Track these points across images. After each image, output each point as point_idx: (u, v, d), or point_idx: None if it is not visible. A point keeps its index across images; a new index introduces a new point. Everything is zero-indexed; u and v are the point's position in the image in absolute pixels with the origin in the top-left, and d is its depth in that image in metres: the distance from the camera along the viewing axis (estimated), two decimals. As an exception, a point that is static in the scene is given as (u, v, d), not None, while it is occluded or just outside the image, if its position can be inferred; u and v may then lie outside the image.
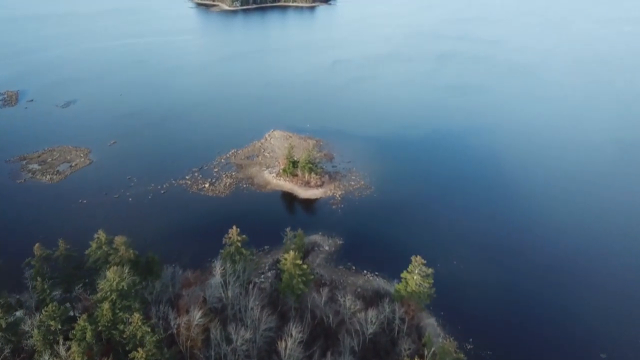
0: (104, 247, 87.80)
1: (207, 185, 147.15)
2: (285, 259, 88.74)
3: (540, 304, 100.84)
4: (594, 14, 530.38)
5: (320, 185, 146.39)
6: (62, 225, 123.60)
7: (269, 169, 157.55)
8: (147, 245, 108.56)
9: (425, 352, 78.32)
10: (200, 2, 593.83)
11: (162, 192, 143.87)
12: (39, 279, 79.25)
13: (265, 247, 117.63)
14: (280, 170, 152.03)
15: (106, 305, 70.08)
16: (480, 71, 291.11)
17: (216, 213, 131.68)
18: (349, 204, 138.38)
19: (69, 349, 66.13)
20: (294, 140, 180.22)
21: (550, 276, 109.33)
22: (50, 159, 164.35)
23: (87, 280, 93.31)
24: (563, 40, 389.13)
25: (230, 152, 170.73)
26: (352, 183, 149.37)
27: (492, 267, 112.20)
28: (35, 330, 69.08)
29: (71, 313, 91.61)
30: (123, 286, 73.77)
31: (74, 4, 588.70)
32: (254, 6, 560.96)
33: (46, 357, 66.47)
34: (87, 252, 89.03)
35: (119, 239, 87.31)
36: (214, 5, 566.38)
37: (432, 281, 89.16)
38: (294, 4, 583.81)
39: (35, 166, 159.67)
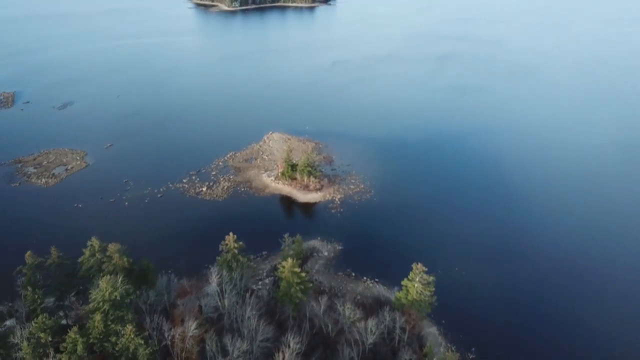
0: (97, 254, 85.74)
1: (204, 189, 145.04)
2: (283, 267, 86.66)
3: (544, 311, 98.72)
4: (594, 14, 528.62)
5: (319, 189, 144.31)
6: (56, 231, 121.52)
7: (268, 172, 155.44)
8: (142, 252, 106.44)
9: (427, 363, 76.37)
10: (199, 2, 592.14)
11: (159, 195, 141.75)
12: (29, 288, 77.14)
13: (263, 252, 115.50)
14: (279, 174, 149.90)
15: (98, 317, 68.01)
16: (481, 72, 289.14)
17: (213, 218, 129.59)
18: (348, 207, 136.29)
19: (59, 362, 64.15)
20: (293, 142, 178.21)
21: (554, 281, 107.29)
22: (45, 162, 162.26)
23: (81, 288, 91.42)
24: (563, 40, 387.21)
25: (229, 155, 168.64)
26: (352, 186, 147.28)
27: (494, 273, 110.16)
28: (25, 343, 66.91)
29: (64, 321, 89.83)
30: (116, 296, 71.74)
31: (73, 4, 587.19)
32: (253, 6, 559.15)
33: (36, 371, 64.52)
34: (80, 259, 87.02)
35: (112, 247, 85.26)
36: (213, 6, 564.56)
37: (434, 289, 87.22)
38: (294, 4, 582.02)
39: (31, 169, 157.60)
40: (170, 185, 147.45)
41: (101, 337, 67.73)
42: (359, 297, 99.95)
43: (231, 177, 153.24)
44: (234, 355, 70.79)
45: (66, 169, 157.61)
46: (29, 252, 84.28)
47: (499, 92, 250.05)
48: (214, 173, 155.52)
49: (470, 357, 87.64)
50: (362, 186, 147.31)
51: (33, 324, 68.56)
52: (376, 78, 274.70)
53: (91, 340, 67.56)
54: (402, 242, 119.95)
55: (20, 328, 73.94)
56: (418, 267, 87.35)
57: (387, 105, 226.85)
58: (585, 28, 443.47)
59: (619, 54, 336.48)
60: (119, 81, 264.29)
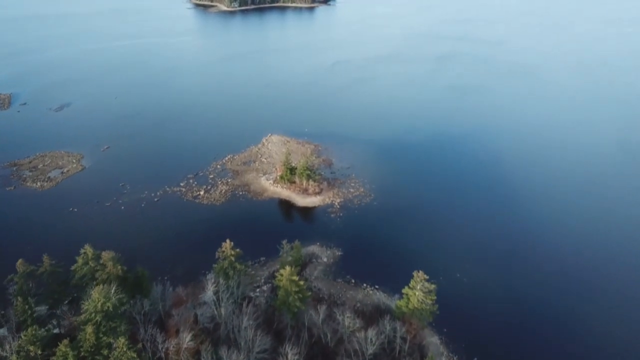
0: (90, 262, 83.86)
1: (202, 193, 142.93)
2: (281, 275, 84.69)
3: (549, 318, 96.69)
4: (593, 15, 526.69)
5: (319, 193, 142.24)
6: (50, 236, 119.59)
7: (266, 176, 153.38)
8: (137, 258, 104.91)
9: (428, 375, 74.37)
10: (198, 2, 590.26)
11: (156, 199, 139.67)
12: (19, 299, 75.03)
13: (262, 258, 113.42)
14: (277, 177, 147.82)
15: (89, 329, 65.91)
16: (481, 72, 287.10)
17: (211, 222, 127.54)
18: (348, 212, 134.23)
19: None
20: (292, 145, 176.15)
21: (559, 286, 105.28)
22: (41, 165, 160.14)
23: (75, 295, 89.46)
24: (563, 41, 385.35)
25: (227, 158, 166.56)
26: (351, 190, 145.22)
27: (496, 278, 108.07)
28: (14, 356, 64.91)
29: (56, 330, 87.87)
30: (108, 307, 69.72)
31: (72, 4, 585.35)
32: (253, 7, 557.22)
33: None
34: (73, 268, 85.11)
35: (106, 255, 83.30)
36: (212, 6, 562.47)
37: (435, 297, 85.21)
38: (293, 4, 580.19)
39: (26, 172, 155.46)
40: (168, 188, 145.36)
41: (92, 350, 65.66)
42: (358, 305, 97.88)
43: (229, 180, 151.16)
44: (230, 367, 68.84)
45: (62, 172, 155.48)
46: (20, 261, 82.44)
47: (499, 93, 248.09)
48: (211, 176, 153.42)
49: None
50: (362, 190, 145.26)
51: (22, 336, 66.53)
52: (376, 79, 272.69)
53: (82, 354, 65.46)
54: (403, 247, 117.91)
55: (12, 339, 71.94)
56: (419, 275, 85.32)
57: (387, 106, 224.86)
58: (585, 28, 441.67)
59: (619, 54, 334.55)
60: (117, 82, 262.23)
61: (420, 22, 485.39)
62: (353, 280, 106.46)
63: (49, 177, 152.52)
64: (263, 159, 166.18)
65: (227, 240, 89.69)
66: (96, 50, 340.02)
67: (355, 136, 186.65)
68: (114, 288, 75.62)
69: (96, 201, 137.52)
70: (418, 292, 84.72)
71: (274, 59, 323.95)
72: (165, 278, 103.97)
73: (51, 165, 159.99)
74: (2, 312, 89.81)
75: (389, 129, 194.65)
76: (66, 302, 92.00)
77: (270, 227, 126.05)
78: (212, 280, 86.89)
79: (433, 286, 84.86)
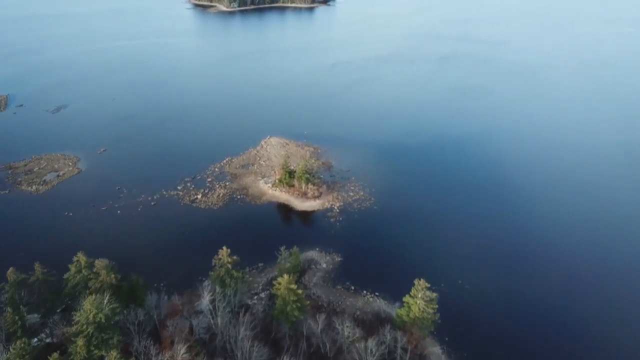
0: (83, 271, 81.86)
1: (199, 197, 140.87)
2: (279, 283, 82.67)
3: (554, 326, 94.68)
4: (593, 15, 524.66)
5: (318, 197, 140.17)
6: (45, 241, 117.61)
7: (265, 179, 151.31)
8: (132, 264, 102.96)
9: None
10: (197, 3, 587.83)
11: (153, 203, 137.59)
12: (9, 309, 73.00)
13: (259, 264, 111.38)
14: (276, 181, 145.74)
15: (80, 342, 63.97)
16: (482, 73, 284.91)
17: (208, 227, 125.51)
18: (347, 216, 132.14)
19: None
20: (291, 147, 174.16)
21: (564, 290, 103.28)
22: (37, 168, 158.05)
23: (69, 302, 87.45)
24: (564, 41, 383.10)
25: (225, 161, 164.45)
26: (351, 194, 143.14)
27: (499, 285, 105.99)
28: (2, 370, 62.97)
29: (49, 340, 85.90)
30: (101, 318, 67.73)
31: (70, 4, 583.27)
32: (252, 7, 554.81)
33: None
34: (65, 276, 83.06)
35: (99, 263, 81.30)
36: (212, 6, 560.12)
37: (437, 306, 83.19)
38: (293, 4, 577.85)
39: (22, 176, 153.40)
40: (165, 192, 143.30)
41: (84, 363, 63.67)
42: (358, 312, 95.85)
43: (227, 183, 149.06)
44: (226, 381, 66.81)
45: (58, 176, 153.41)
46: (11, 269, 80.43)
47: (500, 93, 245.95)
48: (209, 180, 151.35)
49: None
50: (362, 193, 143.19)
51: (11, 349, 64.49)
52: (376, 79, 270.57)
53: (73, 368, 63.49)
54: (403, 252, 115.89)
55: (2, 350, 70.00)
56: (420, 283, 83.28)
57: (387, 107, 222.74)
58: (586, 29, 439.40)
59: (619, 54, 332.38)
60: (115, 83, 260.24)
61: (421, 22, 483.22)
62: (353, 287, 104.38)
63: (44, 180, 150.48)
64: (262, 162, 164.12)
65: (224, 247, 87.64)
66: (95, 51, 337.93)
67: (355, 138, 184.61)
68: (107, 297, 73.65)
69: (92, 205, 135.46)
70: (419, 300, 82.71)
71: (274, 59, 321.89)
72: (162, 285, 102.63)
73: (47, 168, 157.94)
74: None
75: (389, 131, 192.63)
76: (59, 310, 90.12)
77: (268, 232, 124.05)
78: (209, 289, 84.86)
79: (435, 295, 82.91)
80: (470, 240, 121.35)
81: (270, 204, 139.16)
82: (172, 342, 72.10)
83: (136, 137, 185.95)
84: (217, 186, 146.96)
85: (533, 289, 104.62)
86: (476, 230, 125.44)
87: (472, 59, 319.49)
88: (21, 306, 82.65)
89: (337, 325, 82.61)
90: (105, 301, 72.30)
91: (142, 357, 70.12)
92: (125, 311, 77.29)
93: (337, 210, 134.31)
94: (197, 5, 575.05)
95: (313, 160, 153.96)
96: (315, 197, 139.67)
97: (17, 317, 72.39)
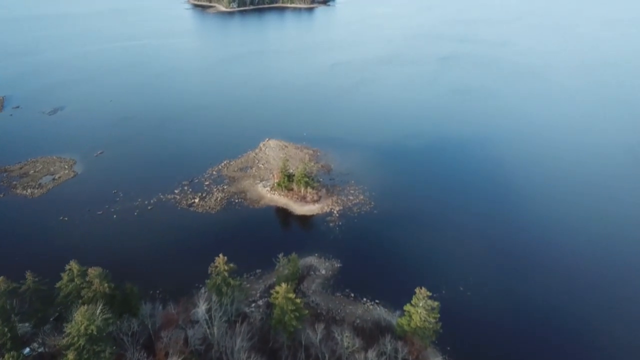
0: (76, 280, 79.87)
1: (197, 200, 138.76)
2: (277, 292, 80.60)
3: (559, 332, 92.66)
4: (593, 15, 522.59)
5: (317, 200, 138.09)
6: (39, 247, 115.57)
7: (263, 182, 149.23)
8: (128, 271, 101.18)
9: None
10: (196, 3, 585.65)
11: (149, 207, 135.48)
12: (-1, 321, 70.89)
13: (257, 270, 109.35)
14: (275, 184, 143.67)
15: (71, 355, 61.93)
16: (483, 73, 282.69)
17: (206, 232, 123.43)
18: (347, 220, 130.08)
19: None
20: (290, 150, 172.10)
21: (569, 296, 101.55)
22: (32, 171, 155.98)
23: (62, 310, 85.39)
24: (566, 41, 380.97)
25: (223, 163, 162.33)
26: (351, 197, 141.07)
27: (501, 292, 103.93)
28: (-10, 385, 60.88)
29: (41, 349, 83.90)
30: (92, 330, 65.65)
31: (69, 4, 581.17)
32: (251, 7, 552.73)
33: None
34: (57, 285, 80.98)
35: (92, 271, 79.30)
36: (211, 7, 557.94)
37: (439, 315, 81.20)
38: (292, 5, 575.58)
39: (17, 179, 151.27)
40: (161, 196, 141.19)
41: (74, 378, 61.63)
42: (358, 321, 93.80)
43: (225, 187, 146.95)
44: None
45: (53, 179, 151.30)
46: (1, 278, 78.08)
47: (501, 94, 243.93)
48: (207, 183, 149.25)
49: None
50: (362, 197, 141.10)
51: (0, 363, 62.48)
52: (376, 80, 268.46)
53: (63, 382, 61.43)
54: (404, 258, 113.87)
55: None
56: (422, 292, 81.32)
57: (387, 109, 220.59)
58: (586, 29, 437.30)
59: (620, 54, 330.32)
60: (113, 84, 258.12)
61: (421, 22, 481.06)
62: (352, 294, 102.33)
63: (39, 183, 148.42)
64: (260, 165, 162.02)
65: (220, 255, 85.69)
66: (93, 52, 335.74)
67: (354, 140, 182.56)
68: (99, 307, 71.67)
69: (88, 210, 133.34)
70: (420, 309, 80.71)
71: (273, 60, 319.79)
72: (157, 292, 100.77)
73: (42, 172, 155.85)
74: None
75: (389, 133, 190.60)
76: (52, 318, 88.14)
77: (266, 237, 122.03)
78: (205, 297, 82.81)
79: (436, 303, 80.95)
80: (471, 243, 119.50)
81: (268, 208, 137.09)
82: (167, 354, 70.05)
83: (133, 139, 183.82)
84: (215, 190, 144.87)
85: (535, 293, 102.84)
86: (477, 233, 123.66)
87: (472, 59, 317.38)
88: (12, 315, 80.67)
89: (336, 335, 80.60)
90: (98, 311, 70.32)
91: (136, 370, 68.15)
92: (118, 322, 75.21)
93: (337, 215, 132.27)
94: (196, 6, 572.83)
95: (312, 164, 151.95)
96: (314, 201, 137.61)
97: (6, 329, 70.26)
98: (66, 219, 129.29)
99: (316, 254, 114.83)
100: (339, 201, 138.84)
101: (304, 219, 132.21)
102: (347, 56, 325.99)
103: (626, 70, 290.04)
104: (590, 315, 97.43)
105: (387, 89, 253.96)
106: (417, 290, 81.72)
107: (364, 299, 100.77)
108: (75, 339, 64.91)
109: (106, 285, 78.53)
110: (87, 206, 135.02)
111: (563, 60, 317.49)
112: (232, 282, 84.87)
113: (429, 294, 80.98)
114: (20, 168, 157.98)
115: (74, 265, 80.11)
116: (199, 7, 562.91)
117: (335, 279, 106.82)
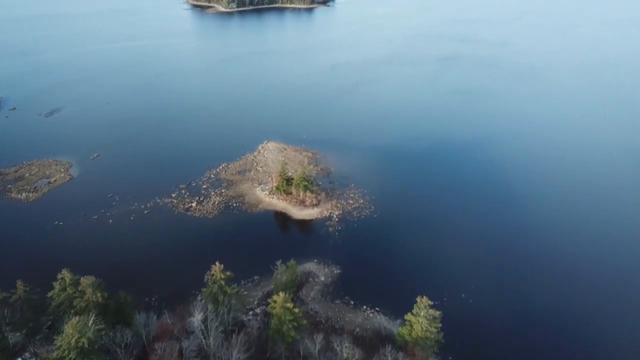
0: (68, 289, 77.84)
1: (194, 205, 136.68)
2: (275, 302, 78.57)
3: (564, 340, 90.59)
4: (593, 15, 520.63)
5: (316, 205, 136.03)
6: (32, 254, 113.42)
7: (262, 186, 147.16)
8: (123, 278, 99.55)
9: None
10: (195, 3, 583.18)
11: (146, 212, 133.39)
12: (-12, 332, 68.87)
13: (255, 277, 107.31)
14: (273, 188, 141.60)
15: (61, 370, 59.82)
16: (483, 74, 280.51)
17: (203, 237, 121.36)
18: (347, 225, 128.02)
19: None
20: (289, 152, 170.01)
21: (573, 303, 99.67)
22: (28, 175, 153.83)
23: (55, 318, 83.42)
24: (566, 41, 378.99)
25: (221, 167, 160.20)
26: (351, 201, 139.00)
27: (504, 299, 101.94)
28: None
29: (34, 359, 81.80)
30: (84, 343, 63.65)
31: (70, 4, 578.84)
32: (251, 8, 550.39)
33: None
34: (49, 294, 78.97)
35: (85, 281, 77.33)
36: (210, 7, 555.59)
37: (440, 325, 79.22)
38: (292, 5, 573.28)
39: (12, 182, 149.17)
40: (158, 200, 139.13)
41: (64, 393, 59.61)
42: (357, 330, 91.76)
43: (223, 191, 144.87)
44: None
45: (49, 182, 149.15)
46: (-8, 287, 76.29)
47: (501, 94, 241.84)
48: (204, 186, 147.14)
49: (481, 400, 79.72)
50: (362, 201, 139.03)
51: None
52: (376, 81, 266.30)
53: (52, 398, 59.42)
54: (405, 264, 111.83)
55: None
56: (423, 301, 79.34)
57: (387, 110, 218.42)
58: (586, 29, 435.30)
59: (620, 54, 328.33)
60: (111, 85, 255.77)
61: (421, 22, 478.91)
62: (352, 302, 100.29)
63: (35, 187, 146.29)
64: (259, 168, 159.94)
65: (217, 263, 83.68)
66: (92, 52, 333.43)
67: (354, 142, 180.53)
68: (92, 318, 69.75)
69: (83, 214, 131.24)
70: (422, 319, 78.74)
71: (272, 61, 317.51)
72: (153, 299, 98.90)
73: (38, 175, 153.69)
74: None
75: (389, 134, 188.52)
76: (45, 327, 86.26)
77: (265, 242, 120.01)
78: (200, 306, 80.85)
79: (438, 313, 78.99)
80: (471, 246, 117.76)
81: (266, 213, 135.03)
82: (161, 367, 68.06)
83: (130, 141, 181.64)
84: (213, 193, 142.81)
85: (538, 297, 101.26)
86: (478, 235, 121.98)
87: (472, 59, 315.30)
88: (3, 325, 78.77)
89: (335, 346, 78.61)
90: (91, 322, 68.48)
91: (128, 383, 66.14)
92: (111, 333, 73.21)
93: (336, 219, 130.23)
94: (195, 6, 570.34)
95: (311, 167, 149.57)
96: (313, 205, 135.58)
97: (-5, 341, 68.31)
98: (61, 223, 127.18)
99: (315, 260, 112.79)
100: (339, 205, 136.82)
101: (303, 224, 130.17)
102: (346, 56, 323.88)
103: (626, 70, 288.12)
104: (595, 321, 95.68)
105: (387, 89, 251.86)
106: (418, 299, 79.78)
107: (364, 307, 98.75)
108: (66, 352, 62.95)
109: (99, 294, 76.57)
110: (82, 210, 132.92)
111: (563, 60, 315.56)
112: (228, 290, 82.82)
113: (431, 302, 79.03)
114: (16, 171, 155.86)
115: (66, 274, 78.11)
116: (198, 8, 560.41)
117: (334, 286, 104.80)
